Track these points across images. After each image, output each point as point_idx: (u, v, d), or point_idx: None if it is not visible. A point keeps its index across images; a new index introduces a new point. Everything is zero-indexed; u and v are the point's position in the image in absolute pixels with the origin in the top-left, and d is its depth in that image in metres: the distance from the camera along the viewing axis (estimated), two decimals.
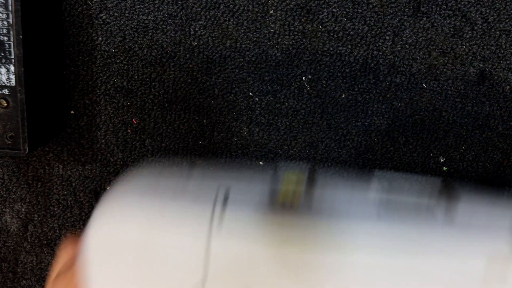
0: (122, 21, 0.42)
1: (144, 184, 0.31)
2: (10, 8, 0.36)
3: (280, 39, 0.42)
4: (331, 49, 0.42)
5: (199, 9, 0.41)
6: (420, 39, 0.43)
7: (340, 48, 0.42)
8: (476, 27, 0.42)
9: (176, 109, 0.43)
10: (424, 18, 0.42)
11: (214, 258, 0.27)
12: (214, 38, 0.42)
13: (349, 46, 0.42)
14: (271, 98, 0.43)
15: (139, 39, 0.42)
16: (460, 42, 0.43)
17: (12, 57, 0.37)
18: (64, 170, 0.45)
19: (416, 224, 0.29)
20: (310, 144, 0.44)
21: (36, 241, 0.47)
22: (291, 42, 0.42)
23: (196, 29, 0.42)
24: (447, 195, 0.31)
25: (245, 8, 0.42)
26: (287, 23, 0.42)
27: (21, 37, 0.36)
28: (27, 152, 0.38)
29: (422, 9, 0.42)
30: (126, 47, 0.42)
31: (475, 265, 0.27)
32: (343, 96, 0.43)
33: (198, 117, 0.44)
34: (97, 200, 0.46)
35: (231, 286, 0.27)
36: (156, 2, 0.41)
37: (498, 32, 0.43)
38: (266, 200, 0.30)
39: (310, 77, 0.43)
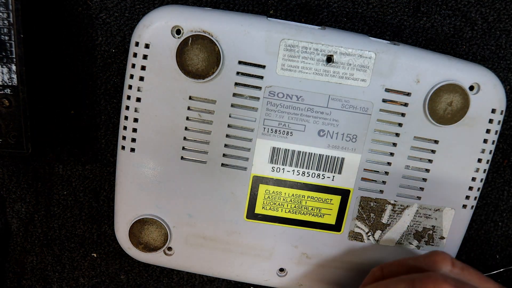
0: (122, 21, 0.42)
1: None
2: (10, 7, 0.36)
3: None
4: None
5: None
6: (420, 39, 0.43)
7: None
8: (476, 27, 0.42)
9: None
10: (424, 18, 0.42)
11: None
12: None
13: None
14: None
15: None
16: (460, 42, 0.43)
17: (14, 56, 0.36)
18: (64, 170, 0.45)
19: None
20: None
21: (36, 241, 0.47)
22: None
23: None
24: None
25: (245, 8, 0.42)
26: None
27: (22, 36, 0.36)
28: (30, 151, 0.38)
29: (422, 9, 0.42)
30: (126, 47, 0.42)
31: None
32: None
33: None
34: (97, 200, 0.46)
35: None
36: (156, 2, 0.41)
37: (498, 32, 0.43)
38: None
39: None
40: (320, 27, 0.36)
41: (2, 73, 0.37)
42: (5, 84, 0.37)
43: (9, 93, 0.37)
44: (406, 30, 0.42)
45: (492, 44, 0.43)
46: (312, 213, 0.39)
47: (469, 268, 0.33)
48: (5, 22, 0.36)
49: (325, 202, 0.38)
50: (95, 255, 0.47)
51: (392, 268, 0.36)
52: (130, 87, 0.36)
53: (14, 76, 0.37)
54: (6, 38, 0.36)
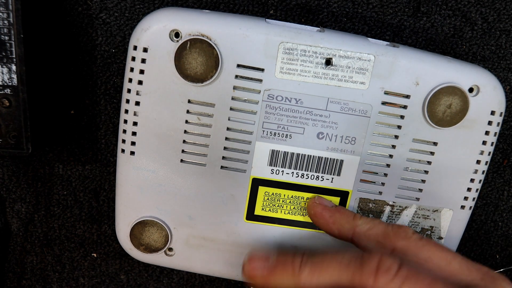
0: (122, 21, 0.42)
1: None
2: (10, 7, 0.36)
3: None
4: None
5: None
6: (420, 39, 0.43)
7: None
8: (476, 27, 0.42)
9: None
10: (424, 18, 0.42)
11: None
12: None
13: None
14: None
15: None
16: (460, 42, 0.43)
17: (14, 56, 0.36)
18: (64, 170, 0.45)
19: None
20: None
21: (36, 241, 0.47)
22: None
23: None
24: None
25: (245, 8, 0.42)
26: None
27: (22, 36, 0.36)
28: (30, 151, 0.38)
29: (422, 9, 0.42)
30: (126, 47, 0.42)
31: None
32: None
33: None
34: (97, 200, 0.46)
35: None
36: (156, 2, 0.41)
37: (498, 32, 0.43)
38: None
39: None
40: (319, 28, 0.36)
41: (2, 73, 0.37)
42: (5, 84, 0.37)
43: (9, 93, 0.37)
44: (406, 30, 0.42)
45: (492, 44, 0.43)
46: None
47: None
48: (5, 22, 0.36)
49: None
50: (95, 255, 0.48)
51: None
52: (129, 90, 0.36)
53: (14, 76, 0.37)
54: (6, 38, 0.36)
